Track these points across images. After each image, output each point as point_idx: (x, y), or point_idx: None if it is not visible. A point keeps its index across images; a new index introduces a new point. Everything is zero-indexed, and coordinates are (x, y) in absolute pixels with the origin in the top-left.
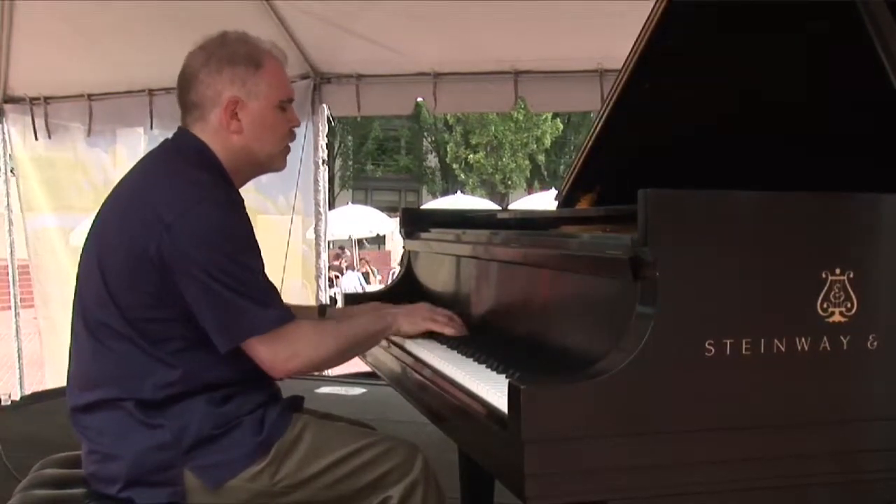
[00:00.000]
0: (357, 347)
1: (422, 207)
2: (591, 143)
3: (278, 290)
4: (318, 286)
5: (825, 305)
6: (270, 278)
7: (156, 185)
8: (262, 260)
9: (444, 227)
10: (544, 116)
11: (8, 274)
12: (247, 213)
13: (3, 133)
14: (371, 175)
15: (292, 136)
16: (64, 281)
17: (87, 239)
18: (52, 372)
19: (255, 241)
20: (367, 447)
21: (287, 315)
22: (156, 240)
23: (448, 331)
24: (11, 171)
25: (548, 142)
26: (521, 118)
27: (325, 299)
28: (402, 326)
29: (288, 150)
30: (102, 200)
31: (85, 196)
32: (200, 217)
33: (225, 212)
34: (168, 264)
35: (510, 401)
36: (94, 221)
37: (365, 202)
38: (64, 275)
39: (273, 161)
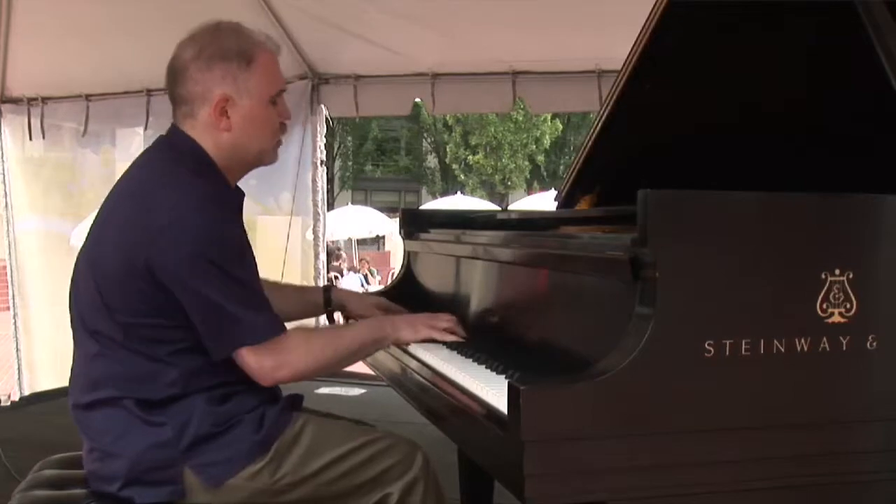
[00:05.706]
0: (352, 356)
1: (421, 208)
2: (590, 143)
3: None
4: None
5: (825, 306)
6: (270, 279)
7: (151, 191)
8: (254, 267)
9: (443, 227)
10: (543, 117)
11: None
12: (241, 218)
13: (1, 134)
14: (371, 176)
15: (283, 130)
16: (50, 284)
17: (84, 243)
18: (30, 377)
19: (248, 248)
20: (367, 444)
21: (277, 325)
22: (146, 249)
23: (449, 338)
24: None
25: (547, 142)
26: (520, 119)
27: None
28: (403, 334)
29: (280, 143)
30: (92, 203)
31: (73, 199)
32: (189, 226)
33: (216, 219)
34: (159, 273)
35: (510, 401)
36: (92, 226)
37: (364, 203)
38: (48, 278)
39: (264, 156)
